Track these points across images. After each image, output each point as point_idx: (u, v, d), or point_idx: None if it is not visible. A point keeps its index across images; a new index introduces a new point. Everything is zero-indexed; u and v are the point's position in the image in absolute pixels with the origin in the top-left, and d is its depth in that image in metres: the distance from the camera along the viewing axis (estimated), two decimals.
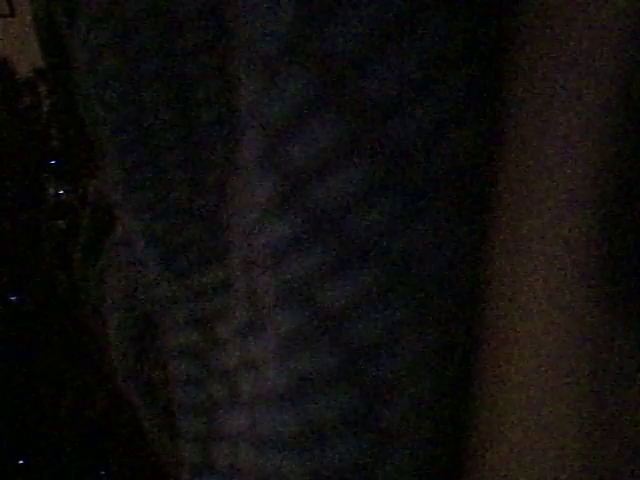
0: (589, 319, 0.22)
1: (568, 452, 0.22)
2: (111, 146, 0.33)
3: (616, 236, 0.21)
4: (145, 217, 0.33)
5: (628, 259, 0.21)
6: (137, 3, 0.29)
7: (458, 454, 0.27)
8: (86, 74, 0.32)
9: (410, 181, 0.26)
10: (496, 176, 0.25)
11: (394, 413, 0.27)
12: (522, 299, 0.24)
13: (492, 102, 0.25)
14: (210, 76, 0.29)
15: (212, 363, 0.32)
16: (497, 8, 0.25)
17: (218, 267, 0.31)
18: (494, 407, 0.25)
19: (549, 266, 0.23)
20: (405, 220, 0.26)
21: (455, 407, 0.27)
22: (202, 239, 0.31)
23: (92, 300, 0.39)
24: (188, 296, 0.32)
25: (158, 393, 0.36)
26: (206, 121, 0.30)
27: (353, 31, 0.24)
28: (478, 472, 0.25)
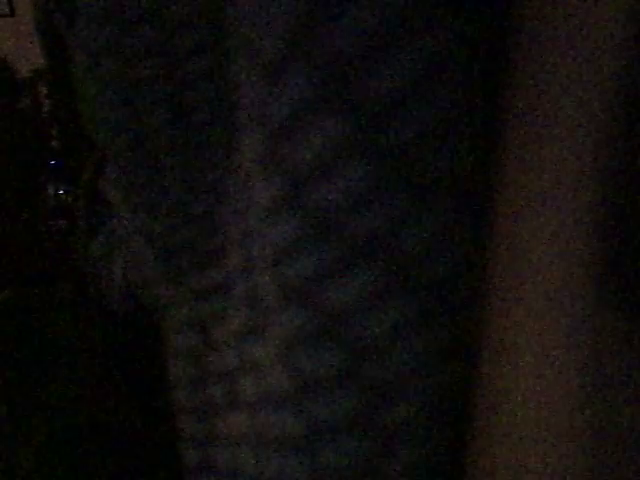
0: (589, 319, 0.22)
1: (568, 451, 0.22)
2: (110, 146, 0.33)
3: (616, 237, 0.21)
4: (143, 217, 0.33)
5: (628, 260, 0.21)
6: (135, 4, 0.29)
7: (460, 454, 0.27)
8: (85, 75, 0.32)
9: (411, 181, 0.26)
10: (497, 176, 0.25)
11: (396, 414, 0.27)
12: (523, 299, 0.24)
13: (493, 102, 0.25)
14: (208, 77, 0.29)
15: (210, 365, 0.32)
16: (498, 9, 0.25)
17: (215, 269, 0.31)
18: (496, 407, 0.25)
19: (550, 266, 0.23)
20: (407, 220, 0.26)
21: (457, 407, 0.27)
22: (200, 240, 0.31)
23: (95, 285, 0.39)
24: (186, 297, 0.32)
25: (159, 393, 0.36)
26: (204, 122, 0.29)
27: (354, 31, 0.24)
28: (480, 472, 0.25)
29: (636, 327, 0.22)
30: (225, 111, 0.29)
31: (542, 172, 0.23)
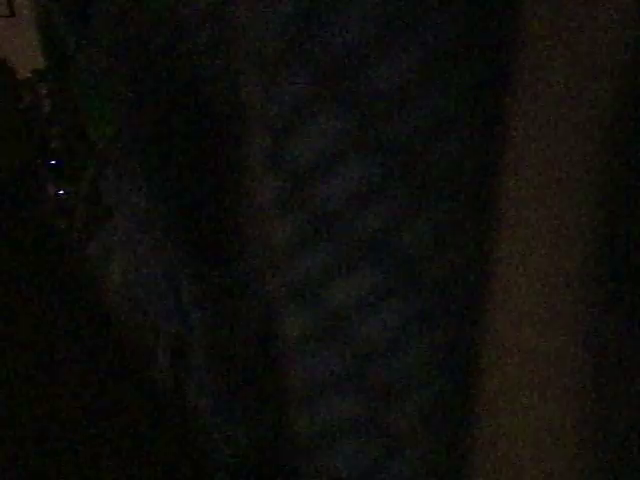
0: (589, 319, 0.22)
1: (570, 453, 0.22)
2: (115, 147, 0.33)
3: (616, 237, 0.21)
4: (148, 219, 0.33)
5: (628, 260, 0.21)
6: (141, 5, 0.29)
7: (462, 455, 0.27)
8: (98, 75, 0.32)
9: (413, 179, 0.26)
10: (498, 175, 0.25)
11: (400, 416, 0.27)
12: (524, 299, 0.24)
13: (493, 100, 0.25)
14: (212, 77, 0.29)
15: (218, 365, 0.32)
16: (499, 6, 0.24)
17: (220, 269, 0.31)
18: (498, 408, 0.25)
19: (550, 266, 0.23)
20: (408, 219, 0.26)
21: (459, 408, 0.27)
22: (207, 241, 0.31)
23: (92, 288, 0.39)
24: (196, 297, 0.32)
25: (160, 394, 0.36)
26: (209, 122, 0.29)
27: (353, 29, 0.24)
28: (482, 473, 0.25)
29: (637, 327, 0.22)
30: (229, 110, 0.29)
31: (544, 171, 0.23)
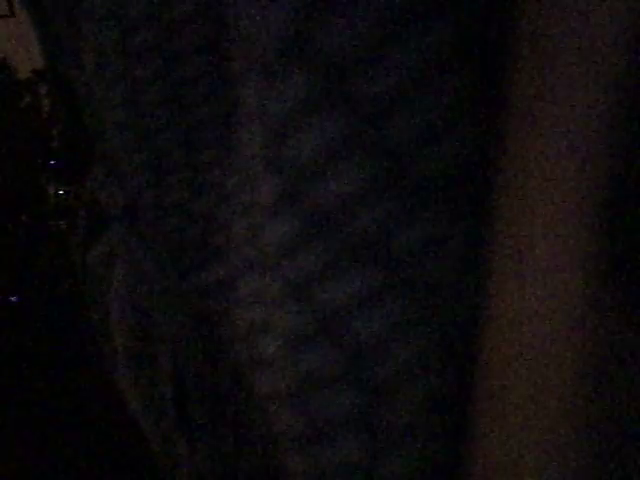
0: (589, 319, 0.22)
1: (567, 451, 0.22)
2: (114, 148, 0.33)
3: (616, 237, 0.21)
4: (147, 217, 0.33)
5: (628, 260, 0.21)
6: (138, 4, 0.29)
7: (457, 453, 0.27)
8: (92, 75, 0.32)
9: (410, 180, 0.26)
10: (496, 176, 0.25)
11: (394, 412, 0.27)
12: (522, 298, 0.24)
13: (492, 101, 0.25)
14: (209, 76, 0.29)
15: (220, 361, 0.32)
16: (497, 8, 0.24)
17: (218, 266, 0.31)
18: (494, 407, 0.25)
19: (549, 267, 0.23)
20: (404, 219, 0.26)
21: (454, 406, 0.27)
22: (202, 239, 0.31)
23: (93, 295, 0.39)
24: (190, 294, 0.32)
25: (159, 390, 0.36)
26: (205, 121, 0.29)
27: (352, 30, 0.24)
28: (477, 471, 0.25)
29: (637, 328, 0.22)
30: (225, 110, 0.29)
31: (542, 174, 0.23)
